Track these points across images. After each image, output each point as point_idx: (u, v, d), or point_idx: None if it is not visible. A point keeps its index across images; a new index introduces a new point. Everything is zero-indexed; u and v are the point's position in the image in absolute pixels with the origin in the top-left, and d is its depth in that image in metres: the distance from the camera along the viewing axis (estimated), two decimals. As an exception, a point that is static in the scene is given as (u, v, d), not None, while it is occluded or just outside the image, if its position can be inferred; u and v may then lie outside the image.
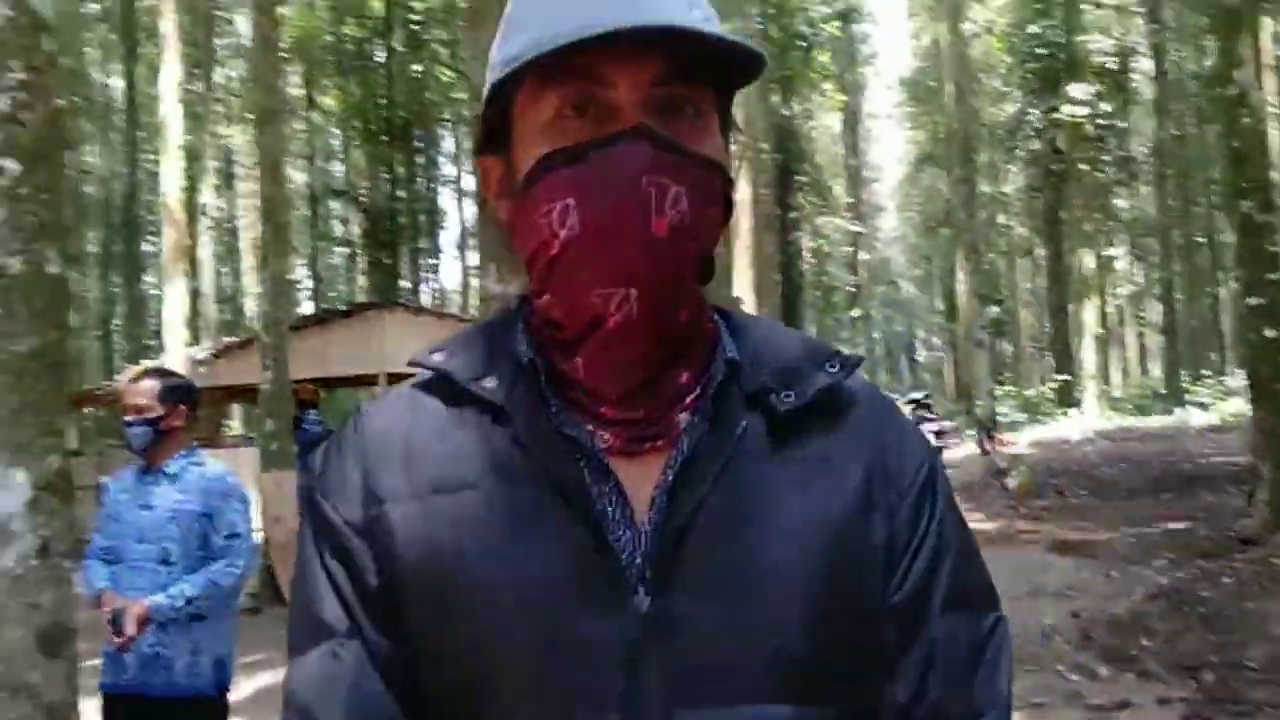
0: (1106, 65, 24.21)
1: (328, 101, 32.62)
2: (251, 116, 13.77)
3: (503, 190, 0.86)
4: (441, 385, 0.86)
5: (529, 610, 0.77)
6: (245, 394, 16.53)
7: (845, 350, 0.91)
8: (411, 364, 0.88)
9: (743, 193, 19.23)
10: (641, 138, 0.76)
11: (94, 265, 35.36)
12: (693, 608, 0.77)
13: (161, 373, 3.70)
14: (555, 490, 0.79)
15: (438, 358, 0.86)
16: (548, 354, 0.84)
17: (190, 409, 3.55)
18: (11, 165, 5.04)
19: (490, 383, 0.83)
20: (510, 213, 0.84)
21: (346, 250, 34.32)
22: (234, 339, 17.28)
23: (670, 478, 0.80)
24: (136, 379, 3.60)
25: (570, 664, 0.76)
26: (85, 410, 21.64)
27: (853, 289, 42.17)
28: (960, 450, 19.39)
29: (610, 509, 0.79)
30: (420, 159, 34.76)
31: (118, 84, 33.01)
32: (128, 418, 3.48)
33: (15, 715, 3.14)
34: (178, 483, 3.45)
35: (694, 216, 0.77)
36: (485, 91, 0.84)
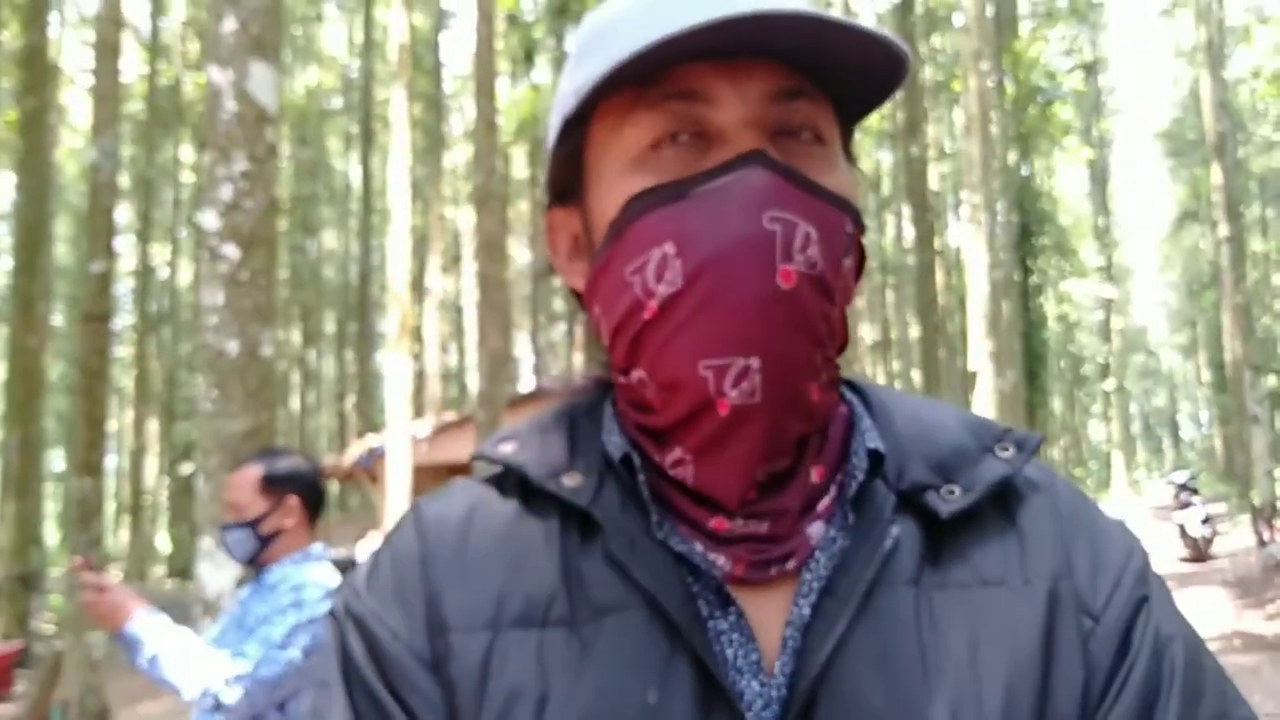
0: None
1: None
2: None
3: (578, 251, 0.71)
4: (512, 482, 0.69)
5: None
6: (463, 471, 16.99)
7: (1020, 432, 0.70)
8: (476, 457, 0.71)
9: (979, 256, 18.34)
10: (759, 164, 0.60)
11: (331, 344, 38.02)
12: None
13: (271, 455, 2.74)
14: (664, 626, 0.61)
15: (506, 449, 0.70)
16: (641, 447, 0.67)
17: (304, 499, 2.66)
18: (232, 251, 5.30)
19: (572, 480, 0.66)
20: (589, 275, 0.68)
21: (565, 326, 35.48)
22: (452, 416, 17.83)
23: (807, 612, 0.63)
24: (238, 467, 2.73)
25: None
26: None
27: (1105, 359, 39.48)
28: (1233, 540, 17.38)
29: (733, 651, 0.62)
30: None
31: (356, 170, 35.51)
32: (224, 520, 2.67)
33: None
34: (271, 597, 2.54)
35: (827, 264, 0.61)
36: (554, 131, 0.69)
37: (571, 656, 0.62)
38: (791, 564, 0.64)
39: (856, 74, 0.64)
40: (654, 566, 0.63)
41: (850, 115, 0.69)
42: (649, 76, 0.62)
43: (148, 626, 2.42)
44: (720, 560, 0.64)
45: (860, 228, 0.66)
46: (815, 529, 0.65)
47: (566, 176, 0.70)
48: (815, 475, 0.66)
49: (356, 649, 0.65)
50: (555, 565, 0.65)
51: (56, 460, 30.72)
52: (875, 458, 0.68)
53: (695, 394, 0.61)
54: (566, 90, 0.68)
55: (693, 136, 0.63)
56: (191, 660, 2.41)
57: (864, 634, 0.61)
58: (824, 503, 0.66)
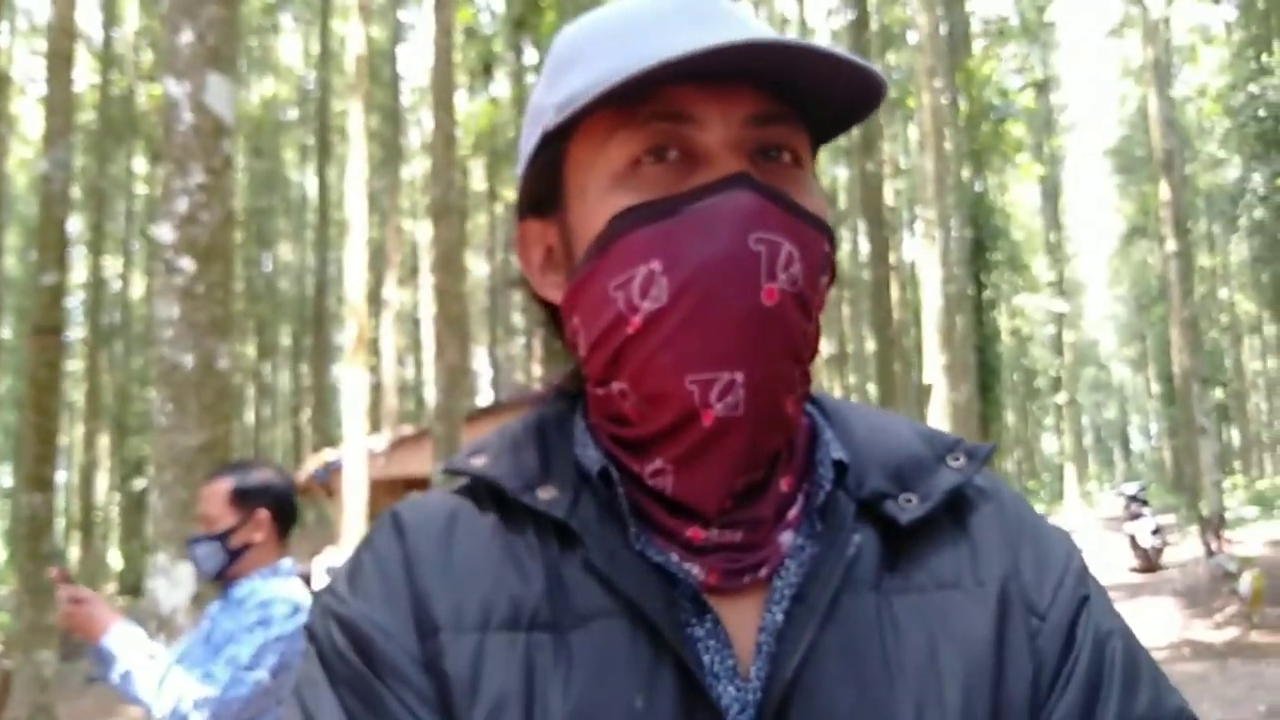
0: (1340, 125, 22.19)
1: (509, 194, 33.89)
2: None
3: (552, 263, 0.72)
4: (486, 495, 0.70)
5: None
6: (420, 486, 16.92)
7: (971, 443, 0.74)
8: (448, 470, 0.72)
9: (933, 271, 18.55)
10: (746, 186, 0.62)
11: (286, 357, 37.57)
12: None
13: (240, 468, 2.71)
14: (647, 633, 0.62)
15: (479, 462, 0.71)
16: (617, 458, 0.68)
17: (275, 513, 2.63)
18: (188, 264, 5.24)
19: (547, 493, 0.68)
20: (567, 289, 0.69)
21: (523, 340, 35.32)
22: (409, 430, 17.66)
23: (780, 618, 0.65)
24: (210, 479, 2.70)
25: None
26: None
27: (1057, 373, 39.98)
28: (1182, 550, 17.69)
29: (709, 657, 0.64)
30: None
31: (312, 182, 35.17)
32: (192, 534, 2.65)
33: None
34: (238, 613, 2.51)
35: (806, 282, 0.63)
36: (531, 143, 0.70)
37: (557, 660, 0.63)
38: (763, 572, 0.66)
39: (833, 100, 0.67)
40: (636, 576, 0.64)
41: (819, 136, 0.72)
42: (636, 95, 0.63)
43: (123, 641, 2.42)
44: (695, 570, 0.66)
45: (834, 247, 0.68)
46: (785, 537, 0.68)
47: (542, 189, 0.71)
48: (784, 485, 0.69)
49: (346, 651, 0.65)
50: (538, 572, 0.66)
51: (5, 476, 30.05)
52: (840, 468, 0.70)
53: (681, 406, 0.63)
54: (545, 103, 0.70)
55: (680, 154, 0.65)
56: (163, 680, 2.39)
57: (832, 638, 0.64)
58: (793, 511, 0.69)
